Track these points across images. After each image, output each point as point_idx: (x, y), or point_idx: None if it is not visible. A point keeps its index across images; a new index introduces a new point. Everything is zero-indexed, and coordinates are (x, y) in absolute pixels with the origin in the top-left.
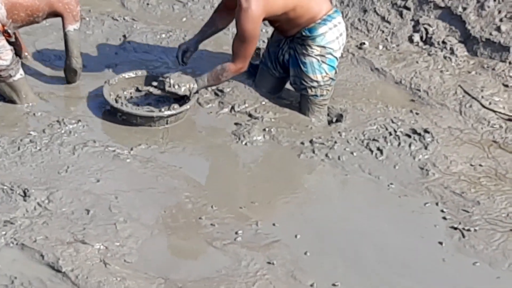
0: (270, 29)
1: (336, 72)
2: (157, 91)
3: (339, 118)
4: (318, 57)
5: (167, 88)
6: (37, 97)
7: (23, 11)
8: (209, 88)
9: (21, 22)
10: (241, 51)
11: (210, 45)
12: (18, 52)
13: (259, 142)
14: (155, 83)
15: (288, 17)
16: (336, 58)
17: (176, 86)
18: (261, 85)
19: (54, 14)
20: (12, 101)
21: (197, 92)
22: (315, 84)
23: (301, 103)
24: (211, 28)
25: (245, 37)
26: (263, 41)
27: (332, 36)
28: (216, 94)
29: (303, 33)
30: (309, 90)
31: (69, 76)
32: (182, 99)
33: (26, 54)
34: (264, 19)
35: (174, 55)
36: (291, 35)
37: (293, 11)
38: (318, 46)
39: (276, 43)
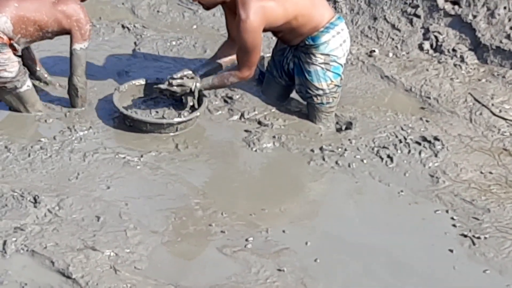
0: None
1: (341, 79)
2: (164, 87)
3: (349, 125)
4: (323, 65)
5: (174, 85)
6: (45, 107)
7: (31, 26)
8: (219, 95)
9: (30, 37)
10: (245, 61)
11: (214, 50)
12: (30, 67)
13: (269, 149)
14: (163, 86)
15: (290, 26)
16: (341, 65)
17: (179, 82)
18: (267, 93)
19: (64, 31)
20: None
21: (201, 92)
22: (320, 92)
23: (308, 110)
24: (213, 63)
25: (247, 47)
26: (267, 49)
27: (335, 44)
28: (225, 101)
29: (307, 42)
30: (315, 98)
31: (71, 97)
32: (192, 107)
33: (38, 69)
34: (266, 30)
35: (184, 62)
36: (294, 44)
37: (294, 20)
38: (322, 54)
39: (281, 52)
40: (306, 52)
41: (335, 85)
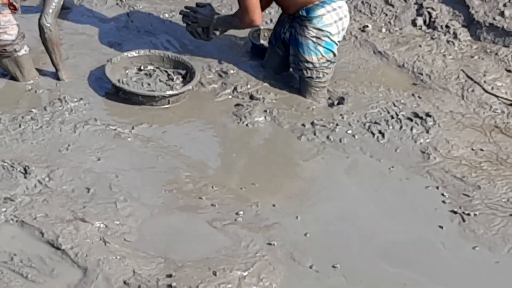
0: (276, 12)
1: (335, 55)
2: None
3: (341, 101)
4: (314, 39)
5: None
6: (38, 75)
7: None
8: (213, 69)
9: None
10: (242, 4)
11: None
12: None
13: (260, 124)
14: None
15: None
16: (334, 42)
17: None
18: (267, 64)
19: None
20: (14, 78)
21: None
22: (310, 65)
23: (300, 84)
24: None
25: None
26: (266, 22)
27: (330, 19)
28: (219, 75)
29: (301, 13)
30: (305, 72)
31: (43, 43)
32: (184, 79)
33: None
34: None
35: (176, 35)
36: (292, 13)
37: None
38: (314, 28)
39: (281, 22)
40: (300, 24)
41: (327, 60)
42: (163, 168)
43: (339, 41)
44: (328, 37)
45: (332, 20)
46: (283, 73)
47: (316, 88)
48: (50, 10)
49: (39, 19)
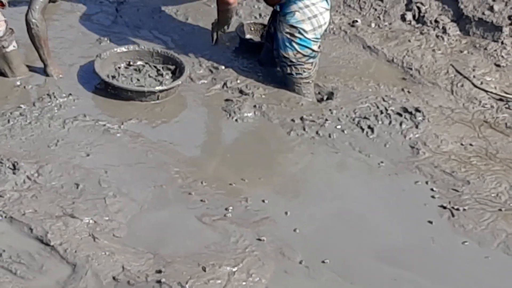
0: (265, 7)
1: (313, 51)
2: None
3: (330, 96)
4: (288, 35)
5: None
6: (28, 70)
7: None
8: (204, 65)
9: None
10: None
11: (202, 20)
12: None
13: (249, 119)
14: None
15: None
16: (308, 39)
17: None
18: (262, 58)
19: None
20: (3, 74)
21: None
22: (288, 61)
23: (284, 80)
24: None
25: None
26: (255, 17)
27: (302, 16)
28: (210, 70)
29: (276, 8)
30: (284, 69)
31: (29, 36)
32: (174, 75)
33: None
34: None
35: (165, 30)
36: (272, 6)
37: None
38: (287, 24)
39: (272, 16)
40: (278, 19)
41: (304, 56)
42: (152, 164)
43: (317, 38)
44: (302, 34)
45: (305, 17)
46: (275, 68)
47: (299, 84)
48: (37, 6)
49: (26, 15)
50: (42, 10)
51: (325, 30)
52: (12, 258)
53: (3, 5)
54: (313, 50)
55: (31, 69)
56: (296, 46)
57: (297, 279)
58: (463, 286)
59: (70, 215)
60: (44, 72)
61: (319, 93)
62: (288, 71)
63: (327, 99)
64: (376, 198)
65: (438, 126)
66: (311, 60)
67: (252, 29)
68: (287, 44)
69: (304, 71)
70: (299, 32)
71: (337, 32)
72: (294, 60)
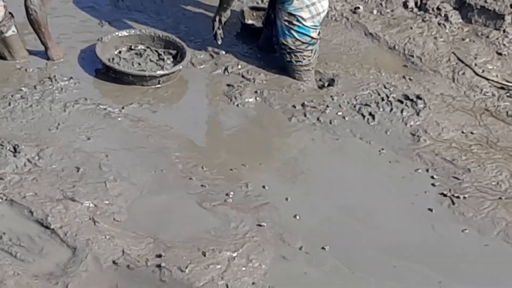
0: None
1: (313, 38)
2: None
3: (331, 82)
4: (286, 23)
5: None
6: (28, 55)
7: None
8: (204, 50)
9: None
10: None
11: (203, 5)
12: None
13: (250, 104)
14: None
15: None
16: (307, 27)
17: None
18: (260, 44)
19: None
20: (3, 58)
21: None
22: (287, 48)
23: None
24: None
25: None
26: (257, 2)
27: (300, 4)
28: (211, 55)
29: None
30: (284, 56)
31: (29, 21)
32: (175, 60)
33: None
34: None
35: (167, 14)
36: None
37: None
38: (285, 11)
39: (272, 2)
40: (277, 6)
41: (303, 43)
42: (153, 148)
43: (315, 26)
44: (300, 22)
45: (303, 4)
46: (275, 54)
47: (299, 72)
48: None
49: (25, 0)
50: None
51: (325, 17)
52: (12, 241)
53: None
54: (312, 38)
55: (33, 52)
56: (295, 34)
57: (297, 265)
58: (462, 273)
59: (71, 198)
60: (45, 55)
61: (320, 79)
62: (288, 58)
63: (328, 85)
64: (377, 185)
65: (439, 113)
66: (310, 47)
67: (254, 14)
68: (286, 31)
69: (303, 59)
70: (298, 20)
71: (338, 19)
72: (293, 47)
